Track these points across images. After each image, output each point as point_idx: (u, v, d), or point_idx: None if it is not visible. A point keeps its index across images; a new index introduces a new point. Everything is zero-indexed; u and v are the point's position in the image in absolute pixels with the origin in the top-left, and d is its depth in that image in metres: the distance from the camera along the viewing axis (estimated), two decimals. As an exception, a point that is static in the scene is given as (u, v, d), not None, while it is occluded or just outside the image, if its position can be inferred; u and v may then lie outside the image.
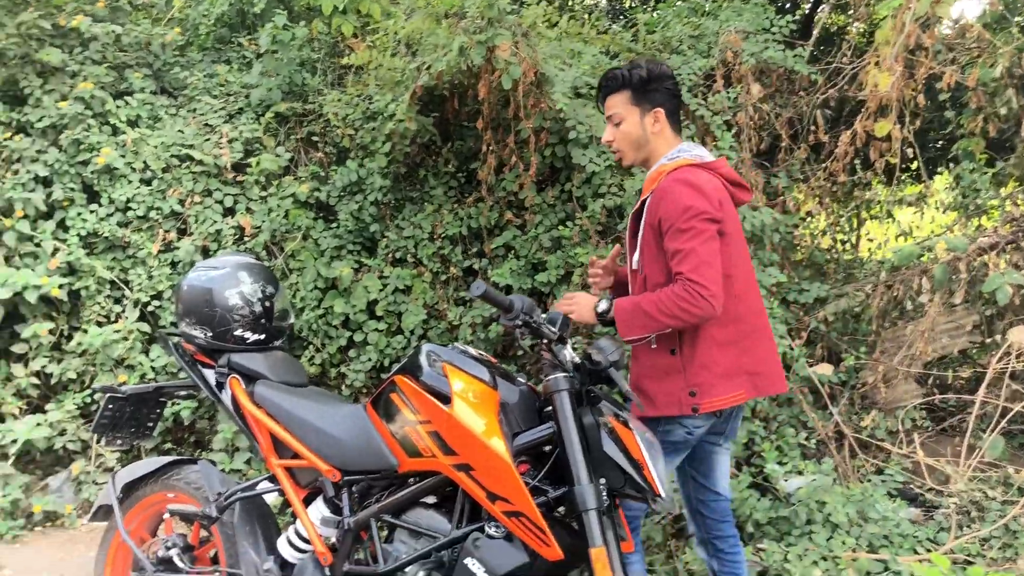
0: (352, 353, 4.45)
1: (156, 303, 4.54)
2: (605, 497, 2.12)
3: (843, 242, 5.55)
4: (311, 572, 2.50)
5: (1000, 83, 4.32)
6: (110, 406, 2.90)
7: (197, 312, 2.70)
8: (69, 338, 4.55)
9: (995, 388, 3.97)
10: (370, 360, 4.36)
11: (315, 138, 4.90)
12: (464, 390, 2.24)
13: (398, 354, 4.37)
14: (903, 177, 5.85)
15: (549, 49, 4.51)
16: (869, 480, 3.84)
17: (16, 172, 4.65)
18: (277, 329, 2.81)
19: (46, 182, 4.71)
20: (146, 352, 4.47)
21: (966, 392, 4.45)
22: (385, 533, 2.44)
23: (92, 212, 4.64)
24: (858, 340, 4.44)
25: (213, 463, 2.90)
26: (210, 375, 2.74)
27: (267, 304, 2.76)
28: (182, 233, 4.69)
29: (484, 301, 2.12)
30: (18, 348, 4.46)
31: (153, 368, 4.39)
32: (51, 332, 4.49)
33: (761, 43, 4.71)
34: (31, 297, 4.30)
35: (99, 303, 4.53)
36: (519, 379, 2.43)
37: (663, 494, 2.15)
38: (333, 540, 2.50)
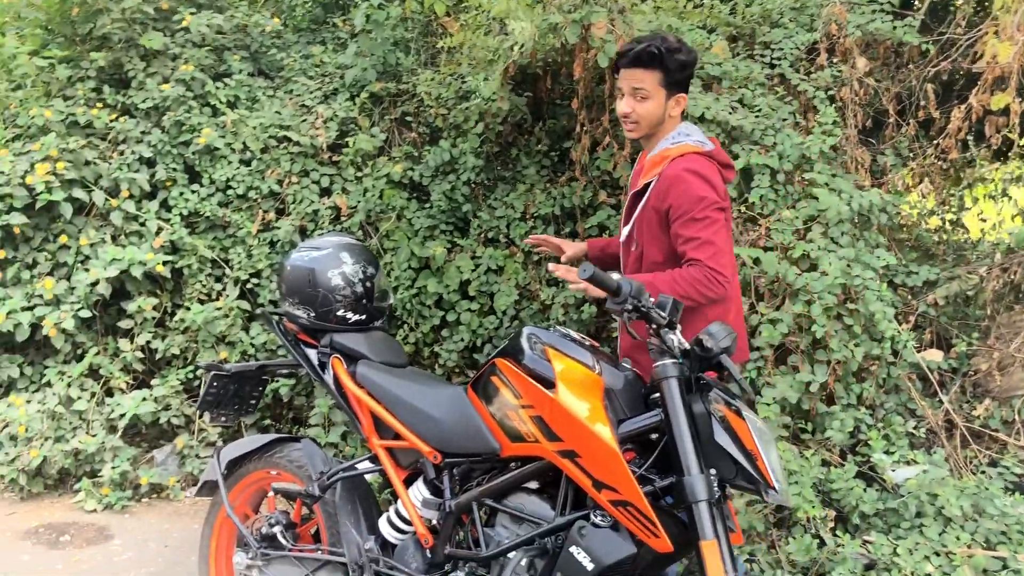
0: (445, 333, 4.45)
1: (255, 281, 4.62)
2: (716, 488, 2.05)
3: (952, 222, 5.31)
4: (412, 553, 2.51)
5: None
6: (215, 384, 2.95)
7: (300, 292, 2.73)
8: (173, 315, 4.67)
9: (1122, 378, 3.74)
10: (462, 340, 4.35)
11: (408, 118, 4.90)
12: (568, 374, 2.19)
13: (490, 334, 4.35)
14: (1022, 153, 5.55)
15: (645, 25, 4.40)
16: (983, 472, 3.67)
17: (122, 153, 4.78)
18: (377, 309, 2.81)
19: (150, 163, 4.83)
20: (246, 329, 4.56)
21: (1088, 381, 4.21)
22: (486, 517, 2.43)
23: (194, 192, 4.75)
24: (970, 325, 4.24)
25: (316, 442, 2.93)
26: (312, 355, 2.77)
27: (368, 284, 2.76)
28: (280, 213, 4.76)
29: (591, 284, 2.07)
30: (125, 324, 4.59)
31: (253, 345, 4.47)
32: (155, 309, 4.61)
33: (867, 14, 4.51)
34: (136, 273, 4.42)
35: (200, 281, 4.63)
36: (623, 363, 2.37)
37: (777, 486, 2.07)
38: (434, 522, 2.50)
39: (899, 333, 3.76)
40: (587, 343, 2.39)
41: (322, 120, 4.76)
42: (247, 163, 4.79)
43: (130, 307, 4.51)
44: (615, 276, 2.12)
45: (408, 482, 2.61)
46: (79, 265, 4.53)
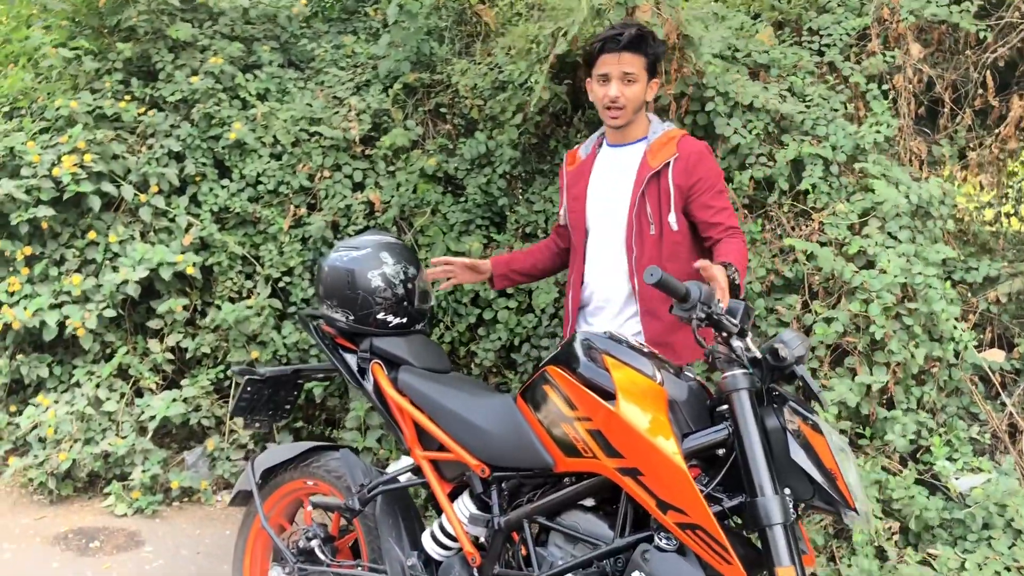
0: (482, 332, 4.30)
1: (287, 279, 4.50)
2: (792, 510, 1.89)
3: (1008, 215, 5.08)
4: (458, 572, 2.37)
5: None
6: (248, 389, 2.84)
7: (339, 294, 2.59)
8: (203, 314, 4.55)
9: None
10: (500, 339, 4.20)
11: (443, 110, 4.74)
12: (628, 385, 2.04)
13: (528, 333, 4.19)
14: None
15: (691, 10, 4.23)
16: (1052, 481, 3.48)
17: (150, 147, 4.66)
18: (419, 312, 2.67)
19: (179, 157, 4.71)
20: (278, 328, 4.43)
21: None
22: (538, 535, 2.28)
23: (224, 187, 4.62)
24: (1034, 324, 4.05)
25: (355, 451, 2.80)
26: (351, 360, 2.63)
27: (409, 286, 2.62)
28: (312, 208, 4.63)
29: (659, 288, 1.91)
30: (154, 324, 4.48)
31: (285, 344, 4.35)
32: (185, 308, 4.50)
33: (922, -1, 4.30)
34: (165, 274, 4.30)
35: (231, 279, 4.51)
36: (686, 372, 2.21)
37: (859, 507, 1.90)
38: (481, 539, 2.35)
39: (962, 333, 3.57)
40: (646, 350, 2.23)
41: (355, 112, 4.62)
42: (278, 157, 4.66)
43: (160, 308, 4.39)
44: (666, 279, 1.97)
45: (453, 495, 2.47)
46: (107, 263, 4.42)
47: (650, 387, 2.04)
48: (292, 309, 4.46)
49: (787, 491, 1.92)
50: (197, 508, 4.16)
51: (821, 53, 4.35)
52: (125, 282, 4.26)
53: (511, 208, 4.42)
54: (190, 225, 4.52)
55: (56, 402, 4.27)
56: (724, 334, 1.97)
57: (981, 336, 4.00)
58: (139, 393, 4.43)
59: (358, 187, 4.60)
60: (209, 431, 4.40)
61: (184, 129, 4.68)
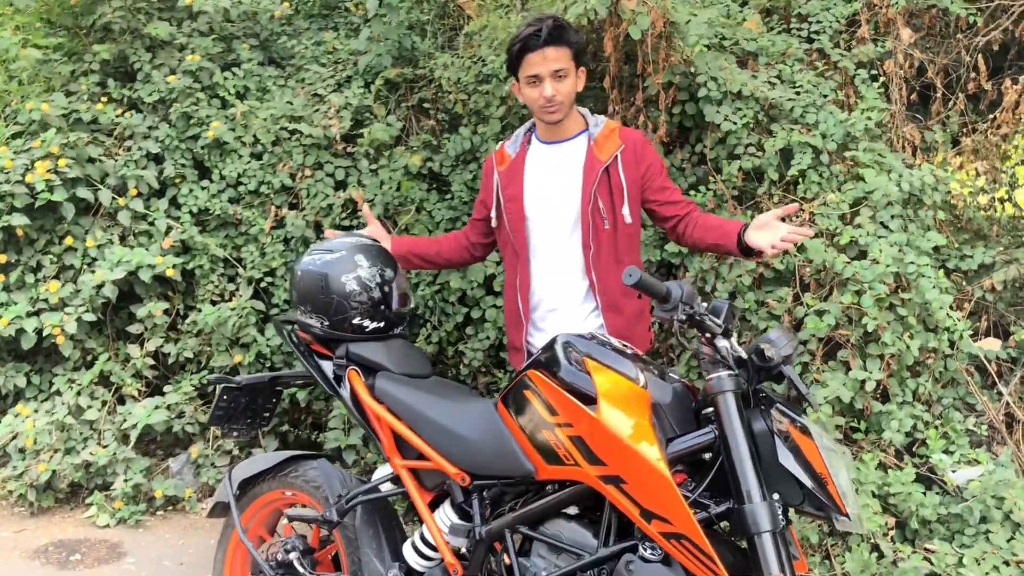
0: (469, 331, 4.22)
1: (269, 280, 4.41)
2: (781, 516, 1.82)
3: (1002, 200, 5.00)
4: (440, 583, 2.29)
5: None
6: (224, 397, 2.76)
7: (312, 299, 2.51)
8: (185, 318, 4.47)
9: None
10: (488, 338, 4.12)
11: (426, 105, 4.65)
12: (611, 389, 1.96)
13: (517, 331, 4.11)
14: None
15: (677, -3, 4.14)
16: (1052, 471, 3.41)
17: (128, 150, 4.57)
18: (397, 315, 2.59)
19: (157, 159, 4.62)
20: (261, 331, 4.34)
21: None
22: (521, 545, 2.20)
23: (204, 189, 4.53)
24: (1030, 312, 3.97)
25: (332, 459, 2.72)
26: (327, 366, 2.55)
27: (386, 289, 2.54)
28: (293, 208, 4.54)
29: (638, 289, 1.83)
30: (135, 328, 4.40)
31: (269, 346, 4.26)
32: (166, 312, 4.41)
33: (912, -18, 4.21)
34: (145, 276, 4.21)
35: (212, 282, 4.43)
36: (670, 374, 2.13)
37: (850, 512, 1.83)
38: (463, 550, 2.28)
39: (956, 323, 3.50)
40: (629, 351, 2.15)
41: (335, 110, 4.52)
42: (258, 157, 4.57)
43: (140, 312, 4.31)
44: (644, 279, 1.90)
45: (434, 504, 2.40)
46: (85, 268, 4.33)
47: (633, 391, 1.96)
48: (275, 311, 4.38)
49: (776, 496, 1.85)
50: (181, 517, 4.08)
51: (810, 40, 4.27)
52: (102, 284, 4.16)
53: (497, 204, 4.33)
54: (170, 228, 4.43)
55: (36, 411, 4.19)
56: (708, 335, 1.89)
57: (977, 325, 3.93)
58: (122, 401, 4.35)
59: (341, 185, 4.51)
60: (194, 437, 4.32)
61: (162, 130, 4.58)
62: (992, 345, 3.80)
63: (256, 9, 5.11)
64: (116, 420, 4.18)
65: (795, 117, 3.86)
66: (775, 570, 1.76)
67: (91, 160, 4.43)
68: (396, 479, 2.45)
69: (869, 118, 3.80)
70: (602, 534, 2.01)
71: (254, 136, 4.53)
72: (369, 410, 2.42)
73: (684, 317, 1.83)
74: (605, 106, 4.06)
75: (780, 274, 3.72)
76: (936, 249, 3.74)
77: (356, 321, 2.50)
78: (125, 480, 4.04)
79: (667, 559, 1.87)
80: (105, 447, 4.08)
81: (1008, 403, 3.69)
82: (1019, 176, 4.92)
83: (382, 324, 2.54)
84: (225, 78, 4.72)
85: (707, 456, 1.98)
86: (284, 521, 2.74)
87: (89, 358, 4.37)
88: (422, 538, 2.39)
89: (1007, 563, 2.99)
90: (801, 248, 3.57)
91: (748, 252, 2.51)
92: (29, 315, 4.19)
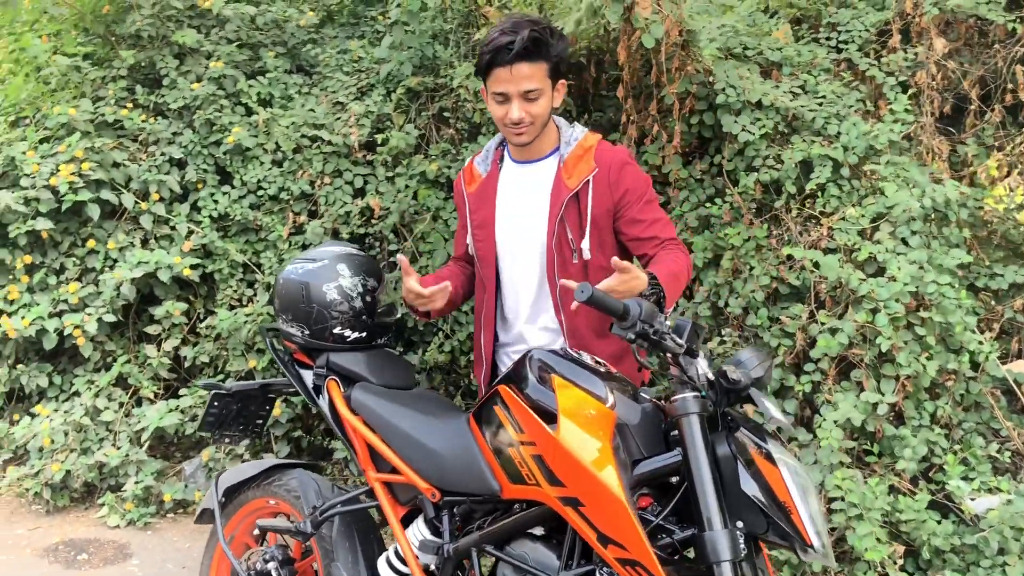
0: (483, 341, 4.17)
1: (286, 287, 4.42)
2: (743, 545, 1.74)
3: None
4: (410, 600, 2.25)
5: None
6: (215, 403, 2.76)
7: (293, 308, 2.49)
8: (205, 321, 4.51)
9: None
10: (501, 349, 4.07)
11: (446, 114, 4.64)
12: (573, 408, 1.90)
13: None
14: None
15: (697, 4, 4.06)
16: (1078, 503, 3.24)
17: (152, 155, 4.64)
18: (380, 325, 2.56)
19: (180, 164, 4.68)
20: (276, 336, 4.35)
21: None
22: (488, 563, 2.15)
23: (224, 194, 4.57)
24: (1064, 334, 3.79)
25: (317, 467, 2.70)
26: (308, 376, 2.53)
27: (368, 299, 2.51)
28: (313, 215, 4.55)
29: (591, 306, 1.77)
30: (153, 330, 4.45)
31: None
32: (187, 315, 4.46)
33: (946, -10, 4.07)
34: (164, 277, 4.27)
35: (231, 286, 4.46)
36: (643, 393, 2.06)
37: (816, 544, 1.74)
38: (432, 567, 2.23)
39: (981, 344, 3.35)
40: (603, 368, 2.09)
41: (355, 118, 4.53)
42: (279, 163, 4.60)
43: (158, 311, 4.36)
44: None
45: (410, 518, 2.36)
46: (107, 270, 4.40)
47: (598, 410, 1.90)
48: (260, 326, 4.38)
49: (740, 524, 1.77)
50: (190, 520, 4.09)
51: (839, 50, 4.16)
52: (122, 284, 4.21)
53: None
54: (191, 232, 4.48)
55: (55, 411, 4.26)
56: (669, 355, 1.82)
57: (1006, 346, 3.76)
58: (140, 403, 4.40)
59: (359, 193, 4.51)
60: (207, 441, 4.35)
61: (186, 136, 4.64)
62: (1021, 368, 3.63)
63: (283, 17, 5.16)
64: (131, 422, 4.23)
65: (816, 128, 3.76)
66: (734, 601, 1.69)
67: (116, 165, 4.51)
68: (371, 492, 2.42)
69: (892, 130, 3.67)
70: (564, 555, 1.95)
71: (276, 143, 4.57)
72: (345, 421, 2.40)
73: (634, 336, 1.76)
74: (619, 115, 4.00)
75: (796, 290, 3.62)
76: (963, 267, 3.59)
77: (337, 331, 2.48)
78: (136, 482, 4.08)
79: (625, 584, 1.80)
80: (119, 448, 4.12)
81: (1036, 429, 3.53)
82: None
83: (364, 334, 2.51)
84: (250, 85, 4.76)
85: (674, 480, 1.91)
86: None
87: (109, 360, 4.44)
88: (396, 553, 2.35)
89: (1023, 598, 2.85)
90: (817, 264, 3.46)
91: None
92: (51, 316, 4.26)
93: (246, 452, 4.25)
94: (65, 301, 4.31)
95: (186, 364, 4.47)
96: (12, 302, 4.31)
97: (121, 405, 4.30)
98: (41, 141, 4.60)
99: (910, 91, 3.94)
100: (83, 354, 4.30)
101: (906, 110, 3.77)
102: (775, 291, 3.63)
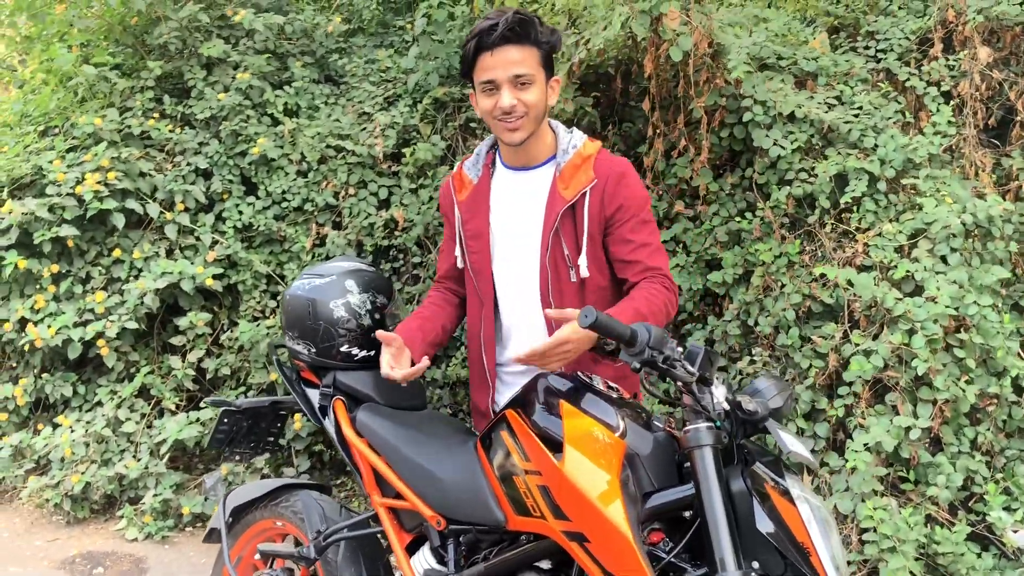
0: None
1: (308, 299, 4.38)
2: (760, 587, 1.63)
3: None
4: (414, 631, 2.17)
5: None
6: (225, 420, 2.69)
7: (300, 325, 2.42)
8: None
9: None
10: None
11: (473, 124, 4.57)
12: (581, 437, 1.80)
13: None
14: None
15: (728, 15, 3.95)
16: None
17: (177, 164, 4.63)
18: (390, 344, 2.48)
19: (206, 174, 4.66)
20: (298, 349, 4.31)
21: None
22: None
23: (249, 205, 4.54)
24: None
25: (326, 488, 2.63)
26: (314, 395, 2.46)
27: (377, 316, 2.44)
28: (337, 227, 4.50)
29: (595, 332, 1.67)
30: (178, 340, 4.42)
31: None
32: (210, 326, 4.44)
33: (991, -4, 3.92)
34: (187, 287, 4.24)
35: (254, 297, 4.43)
36: (656, 421, 1.96)
37: (837, 589, 1.63)
38: (437, 597, 2.15)
39: (1025, 368, 3.20)
40: (615, 394, 1.99)
41: (380, 128, 4.48)
42: (304, 174, 4.56)
43: (182, 322, 4.34)
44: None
45: (417, 545, 2.28)
46: (132, 279, 4.39)
47: (607, 439, 1.80)
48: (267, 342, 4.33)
49: (756, 565, 1.67)
50: (207, 535, 4.06)
51: (877, 60, 4.02)
52: (145, 294, 4.20)
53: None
54: (215, 242, 4.46)
55: (78, 421, 4.25)
56: (680, 384, 1.71)
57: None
58: (162, 414, 4.38)
59: (384, 205, 4.46)
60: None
61: (212, 146, 4.62)
62: (1068, 392, 3.46)
63: (312, 25, 5.13)
64: (152, 433, 4.21)
65: (852, 141, 3.63)
66: (746, 648, 1.58)
67: (142, 174, 4.50)
68: (376, 517, 2.34)
69: (933, 143, 3.53)
70: (569, 594, 1.85)
71: (301, 153, 4.53)
72: (350, 444, 2.32)
73: (639, 365, 1.65)
74: (647, 127, 3.89)
75: (829, 309, 3.49)
76: (1007, 285, 3.44)
77: (344, 349, 2.40)
78: (155, 495, 4.04)
79: (632, 626, 1.70)
80: (139, 460, 4.10)
81: (1085, 457, 3.35)
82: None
83: (372, 352, 2.43)
84: (276, 95, 4.73)
85: (688, 514, 1.80)
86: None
87: (133, 371, 4.42)
88: (401, 581, 2.27)
89: (1066, 639, 2.69)
90: (851, 282, 3.32)
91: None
92: (76, 325, 4.25)
93: (266, 466, 4.20)
94: (91, 311, 4.30)
95: (208, 376, 4.44)
96: (38, 311, 4.30)
97: (143, 416, 4.28)
98: (69, 150, 4.61)
99: (952, 102, 3.80)
100: (107, 364, 4.28)
101: (948, 122, 3.63)
102: (807, 309, 3.50)
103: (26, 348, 4.30)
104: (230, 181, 4.59)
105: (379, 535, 2.46)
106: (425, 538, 2.24)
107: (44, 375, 4.41)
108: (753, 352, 3.55)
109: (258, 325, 4.27)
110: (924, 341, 3.08)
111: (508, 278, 2.30)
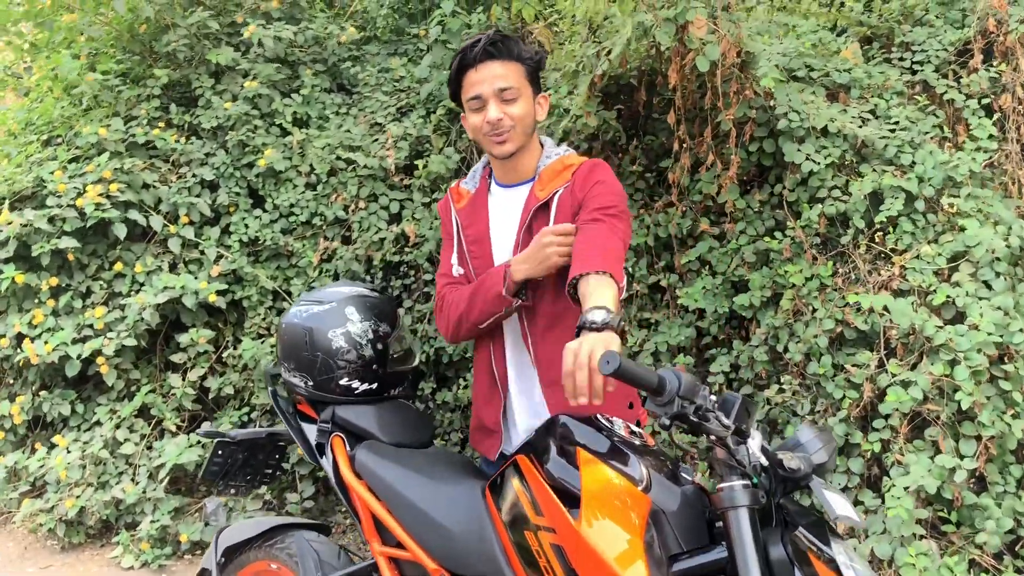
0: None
1: (316, 316, 4.21)
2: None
3: None
4: None
5: None
6: (219, 452, 2.54)
7: (296, 356, 2.26)
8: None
9: None
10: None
11: (488, 136, 4.39)
12: (600, 492, 1.61)
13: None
14: None
15: (757, 24, 3.76)
16: None
17: (182, 176, 4.47)
18: (394, 376, 2.31)
19: (212, 186, 4.51)
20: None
21: None
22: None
23: (256, 218, 4.38)
24: None
25: (324, 528, 2.45)
26: (312, 431, 2.28)
27: (379, 346, 2.26)
28: (346, 241, 4.34)
29: (619, 380, 1.48)
30: (179, 358, 4.26)
31: (310, 387, 4.05)
32: (213, 343, 4.27)
33: (1035, 6, 3.72)
34: (189, 302, 4.08)
35: (259, 314, 4.26)
36: (684, 473, 1.77)
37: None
38: (440, 657, 1.96)
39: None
40: (638, 440, 1.80)
41: (392, 139, 4.31)
42: (313, 187, 4.40)
43: (183, 339, 4.18)
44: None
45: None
46: (133, 294, 4.23)
47: (629, 493, 1.61)
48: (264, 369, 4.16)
49: (797, 642, 1.47)
50: (206, 563, 3.89)
51: (913, 72, 3.82)
52: (145, 309, 4.04)
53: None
54: (219, 257, 4.30)
55: (75, 441, 4.09)
56: (713, 437, 1.52)
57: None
58: (163, 435, 4.21)
59: (395, 219, 4.29)
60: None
61: (219, 157, 4.47)
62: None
63: (324, 34, 4.98)
64: (152, 455, 4.04)
65: (888, 157, 3.43)
66: None
67: (145, 186, 4.35)
68: (376, 566, 2.16)
69: (974, 159, 3.33)
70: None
71: (310, 165, 4.37)
72: (349, 486, 2.14)
73: (669, 421, 1.46)
74: (672, 140, 3.71)
75: (864, 335, 3.28)
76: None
77: (344, 382, 2.23)
78: (152, 521, 3.88)
79: None
80: (137, 484, 3.93)
81: None
82: None
83: (374, 385, 2.26)
84: (286, 105, 4.58)
85: (719, 578, 1.61)
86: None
87: (133, 389, 4.26)
88: (402, 636, 2.09)
89: None
90: (887, 308, 3.12)
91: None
92: (75, 342, 4.10)
93: (268, 492, 4.03)
94: (90, 326, 4.14)
95: (211, 395, 4.27)
96: (36, 326, 4.15)
97: (143, 437, 4.12)
98: (71, 160, 4.47)
99: (994, 116, 3.59)
100: (106, 382, 4.12)
101: (990, 136, 3.43)
102: (840, 336, 3.29)
103: (21, 364, 4.15)
104: (237, 193, 4.43)
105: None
106: (429, 591, 2.06)
107: (43, 392, 4.25)
108: (782, 380, 3.35)
109: (263, 343, 4.11)
110: (968, 372, 2.87)
111: None
